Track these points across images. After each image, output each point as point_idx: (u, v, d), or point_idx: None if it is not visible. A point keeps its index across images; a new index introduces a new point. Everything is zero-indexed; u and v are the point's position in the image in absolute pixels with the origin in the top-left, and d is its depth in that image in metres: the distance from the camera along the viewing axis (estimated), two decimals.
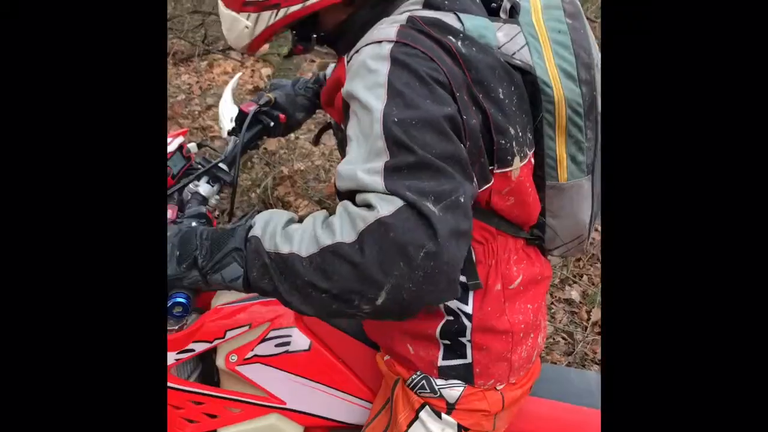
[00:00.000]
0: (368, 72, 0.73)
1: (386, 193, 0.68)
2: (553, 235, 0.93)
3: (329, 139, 2.12)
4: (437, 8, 0.81)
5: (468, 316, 0.89)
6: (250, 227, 0.76)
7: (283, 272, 0.72)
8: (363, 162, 0.70)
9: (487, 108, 0.77)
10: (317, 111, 1.30)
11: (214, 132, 3.20)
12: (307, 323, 1.06)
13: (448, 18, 0.80)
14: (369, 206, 0.69)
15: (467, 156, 0.72)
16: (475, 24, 0.81)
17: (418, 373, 0.94)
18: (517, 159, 0.80)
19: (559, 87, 0.80)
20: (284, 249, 0.72)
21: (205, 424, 1.04)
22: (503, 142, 0.78)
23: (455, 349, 0.91)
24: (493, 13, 0.86)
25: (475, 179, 0.74)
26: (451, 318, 0.90)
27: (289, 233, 0.74)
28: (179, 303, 0.85)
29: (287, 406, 1.04)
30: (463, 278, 0.86)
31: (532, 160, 0.85)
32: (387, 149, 0.69)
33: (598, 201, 0.91)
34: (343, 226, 0.70)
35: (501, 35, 0.82)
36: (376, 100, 0.71)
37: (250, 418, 1.04)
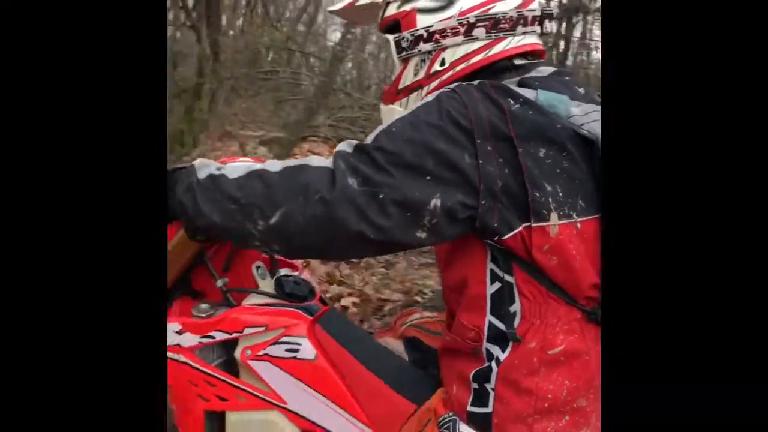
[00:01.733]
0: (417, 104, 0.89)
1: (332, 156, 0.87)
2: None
3: None
4: (527, 86, 0.90)
5: (498, 362, 0.91)
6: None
7: (208, 189, 0.90)
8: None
9: (522, 162, 0.83)
10: None
11: None
12: (320, 340, 1.15)
13: (526, 91, 0.88)
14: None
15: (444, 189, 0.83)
16: (549, 96, 0.88)
17: (451, 414, 0.96)
18: (554, 215, 0.83)
19: None
20: (216, 173, 0.92)
21: (215, 404, 1.17)
22: (537, 195, 0.83)
23: (481, 396, 0.93)
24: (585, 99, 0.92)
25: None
26: (487, 364, 0.92)
27: (224, 167, 0.93)
28: None
29: (288, 407, 1.14)
30: (502, 326, 0.90)
31: (590, 228, 0.87)
32: (371, 141, 0.86)
33: None
34: (276, 164, 0.89)
35: (576, 110, 0.88)
36: (399, 115, 0.87)
37: (254, 409, 1.16)
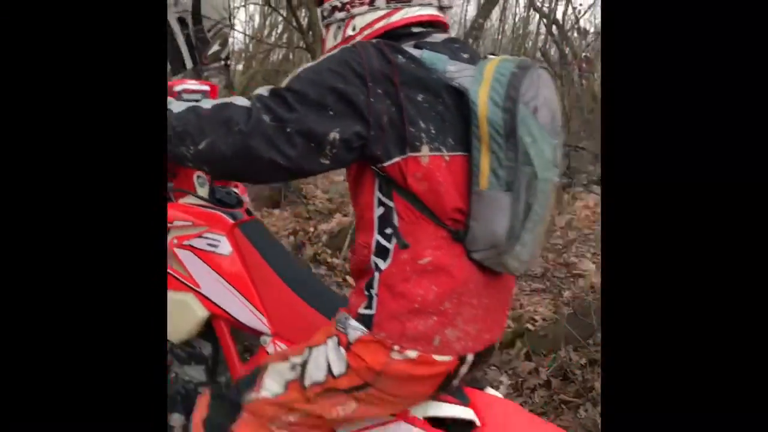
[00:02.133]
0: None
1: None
2: (472, 237, 1.06)
3: None
4: (418, 48, 1.08)
5: (380, 271, 1.08)
6: None
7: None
8: None
9: (403, 103, 1.02)
10: None
11: None
12: (237, 241, 1.36)
13: (414, 51, 1.07)
14: None
15: (337, 117, 1.02)
16: (431, 56, 1.06)
17: (345, 314, 1.13)
18: (426, 147, 1.02)
19: (485, 109, 1.00)
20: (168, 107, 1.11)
21: None
22: (413, 130, 1.02)
23: (369, 300, 1.10)
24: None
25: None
26: (374, 274, 1.10)
27: (172, 102, 1.12)
28: None
29: (200, 290, 1.36)
30: (385, 242, 1.07)
31: (457, 162, 1.04)
32: (283, 85, 1.04)
33: (518, 221, 1.03)
34: (211, 102, 1.07)
35: (452, 68, 1.05)
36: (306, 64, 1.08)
37: (174, 290, 1.37)
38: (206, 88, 1.44)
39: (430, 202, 1.04)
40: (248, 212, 1.47)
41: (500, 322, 1.17)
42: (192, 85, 1.42)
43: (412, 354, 1.05)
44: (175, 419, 1.51)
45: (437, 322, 1.05)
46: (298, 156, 1.02)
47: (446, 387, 1.11)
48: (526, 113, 0.99)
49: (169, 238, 1.37)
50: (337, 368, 1.10)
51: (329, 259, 3.27)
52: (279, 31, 8.01)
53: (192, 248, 1.36)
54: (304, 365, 1.14)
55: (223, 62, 2.93)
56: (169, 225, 1.36)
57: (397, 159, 1.03)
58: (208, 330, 1.44)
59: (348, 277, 3.05)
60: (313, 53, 4.02)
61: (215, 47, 2.89)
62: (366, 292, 1.10)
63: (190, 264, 1.36)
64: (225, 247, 1.35)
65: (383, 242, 1.07)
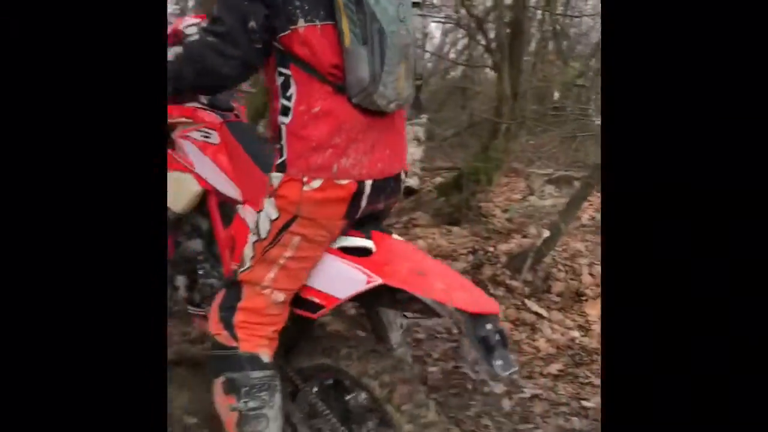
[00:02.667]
0: None
1: None
2: (348, 86, 1.39)
3: None
4: None
5: (285, 125, 1.45)
6: None
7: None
8: None
9: None
10: None
11: None
12: (224, 136, 1.80)
13: None
14: None
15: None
16: None
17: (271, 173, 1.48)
18: (302, 19, 1.35)
19: None
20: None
21: None
22: (290, 8, 1.36)
23: (281, 151, 1.44)
24: None
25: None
26: (281, 129, 1.47)
27: (170, 50, 1.58)
28: None
29: (195, 170, 1.81)
30: (286, 102, 1.44)
31: (327, 29, 1.37)
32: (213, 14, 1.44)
33: (376, 67, 1.34)
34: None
35: None
36: None
37: (175, 169, 1.83)
38: (199, 20, 1.90)
39: (313, 62, 1.40)
40: (236, 116, 1.92)
41: (394, 158, 1.50)
42: (191, 19, 1.89)
43: (317, 183, 1.41)
44: (179, 280, 1.97)
45: (332, 153, 1.40)
46: (242, 53, 1.41)
47: (355, 211, 1.46)
48: None
49: (176, 131, 1.83)
50: (273, 213, 1.47)
51: (507, 281, 3.18)
52: (459, 48, 7.96)
53: (191, 138, 1.81)
54: (257, 225, 1.53)
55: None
56: (175, 121, 1.83)
57: (286, 32, 1.38)
58: (204, 209, 1.89)
59: (526, 300, 3.07)
60: (500, 72, 3.96)
61: None
62: (278, 146, 1.47)
63: (189, 150, 1.82)
64: (215, 138, 1.80)
65: (285, 103, 1.44)
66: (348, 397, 1.62)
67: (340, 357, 1.53)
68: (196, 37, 1.47)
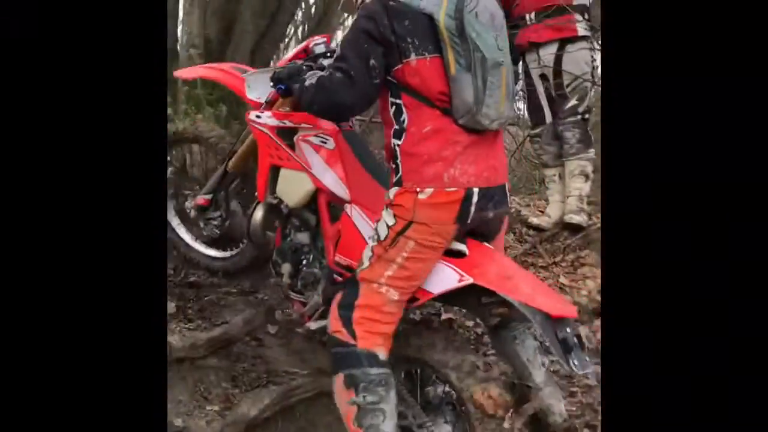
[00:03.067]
0: None
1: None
2: (455, 109, 1.61)
3: None
4: None
5: (399, 146, 1.68)
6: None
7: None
8: None
9: (396, 29, 1.60)
10: None
11: None
12: (338, 143, 2.02)
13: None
14: None
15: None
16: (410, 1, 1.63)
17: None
18: (413, 54, 1.60)
19: (442, 20, 1.56)
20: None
21: (276, 161, 2.10)
22: (403, 45, 1.61)
23: (397, 169, 1.69)
24: None
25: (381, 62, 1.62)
26: (395, 151, 1.69)
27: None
28: (280, 88, 1.90)
29: (311, 170, 2.04)
30: (398, 127, 1.67)
31: (435, 61, 1.60)
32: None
33: (479, 91, 1.55)
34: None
35: (423, 3, 1.61)
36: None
37: (294, 169, 2.07)
38: (324, 39, 2.13)
39: (423, 90, 1.62)
40: (350, 126, 2.14)
41: (497, 169, 1.69)
42: (319, 38, 2.13)
43: (429, 190, 1.61)
44: (286, 267, 2.20)
45: (441, 165, 1.61)
46: (365, 89, 1.63)
47: (466, 216, 1.63)
48: (470, 17, 1.54)
49: (298, 135, 2.07)
50: (390, 221, 1.68)
51: None
52: None
53: (309, 143, 2.05)
54: (376, 231, 1.74)
55: (580, 116, 3.00)
56: (298, 125, 2.07)
57: (398, 66, 1.61)
58: (314, 205, 2.12)
59: None
60: None
61: (573, 101, 2.98)
62: (393, 165, 1.69)
63: (307, 152, 2.05)
64: (331, 144, 2.03)
65: (398, 127, 1.66)
66: (428, 389, 1.78)
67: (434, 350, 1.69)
68: (326, 73, 1.67)
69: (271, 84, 1.91)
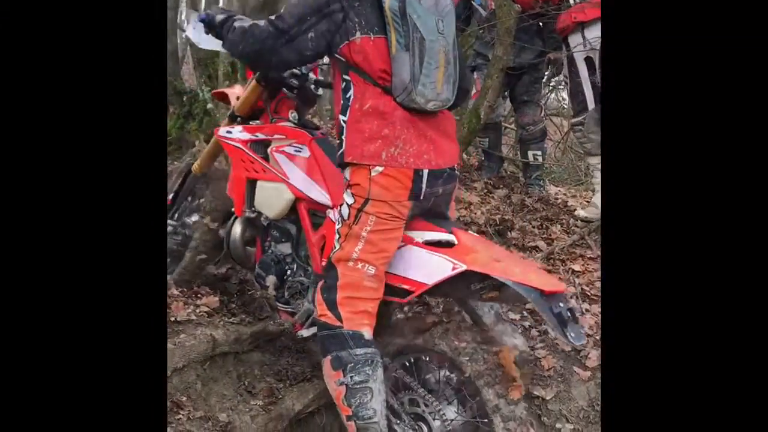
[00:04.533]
0: None
1: None
2: (393, 87, 1.67)
3: None
4: None
5: (345, 121, 1.73)
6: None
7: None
8: None
9: (346, 8, 1.66)
10: None
11: None
12: (313, 149, 2.06)
13: None
14: None
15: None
16: None
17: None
18: (359, 32, 1.66)
19: (387, 2, 1.62)
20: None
21: (251, 174, 2.12)
22: (350, 24, 1.67)
23: (341, 144, 1.74)
24: None
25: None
26: (342, 124, 1.74)
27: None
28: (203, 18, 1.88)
29: (289, 180, 2.07)
30: (345, 102, 1.72)
31: (379, 41, 1.66)
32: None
33: (416, 69, 1.62)
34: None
35: None
36: None
37: (272, 180, 2.09)
38: None
39: (366, 68, 1.69)
40: (322, 134, 2.18)
41: (444, 152, 1.76)
42: None
43: (380, 168, 1.68)
44: (270, 279, 2.22)
45: (381, 144, 1.67)
46: (294, 52, 1.69)
47: (418, 194, 1.71)
48: (412, 1, 1.61)
49: (271, 146, 2.10)
50: (350, 200, 1.75)
51: None
52: None
53: (284, 152, 2.08)
54: (340, 213, 1.80)
55: None
56: (270, 137, 2.09)
57: (344, 43, 1.69)
58: (293, 215, 2.15)
59: None
60: None
61: None
62: (339, 139, 1.75)
63: (283, 163, 2.08)
64: (305, 152, 2.06)
65: (344, 103, 1.74)
66: (428, 375, 1.83)
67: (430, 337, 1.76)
68: (263, 23, 1.72)
69: (201, 18, 1.88)
